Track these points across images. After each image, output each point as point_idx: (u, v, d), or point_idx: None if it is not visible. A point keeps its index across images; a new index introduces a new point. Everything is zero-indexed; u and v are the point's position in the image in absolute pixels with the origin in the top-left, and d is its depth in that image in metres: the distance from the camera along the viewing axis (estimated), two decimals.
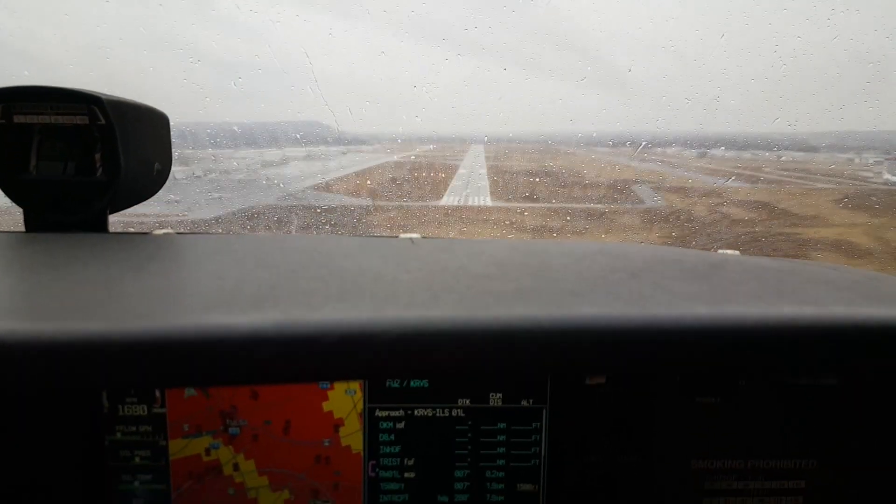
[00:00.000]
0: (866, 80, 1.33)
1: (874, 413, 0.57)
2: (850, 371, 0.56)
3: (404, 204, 1.92)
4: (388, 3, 1.55)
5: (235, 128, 1.54)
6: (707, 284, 0.50)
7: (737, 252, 0.70)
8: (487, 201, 2.21)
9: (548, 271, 0.53)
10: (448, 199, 2.20)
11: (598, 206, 1.97)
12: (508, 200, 2.10)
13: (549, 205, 1.96)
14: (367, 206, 1.92)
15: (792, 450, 0.58)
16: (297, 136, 1.70)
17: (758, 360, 0.42)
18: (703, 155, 2.21)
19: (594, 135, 1.56)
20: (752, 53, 1.44)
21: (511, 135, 1.78)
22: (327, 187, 2.16)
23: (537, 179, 2.04)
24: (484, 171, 2.37)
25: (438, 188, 2.17)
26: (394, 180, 2.04)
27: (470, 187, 2.27)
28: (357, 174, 2.21)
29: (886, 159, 2.13)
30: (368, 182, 2.11)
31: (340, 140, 1.76)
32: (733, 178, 2.08)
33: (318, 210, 1.90)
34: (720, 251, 0.72)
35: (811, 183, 2.19)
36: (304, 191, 2.12)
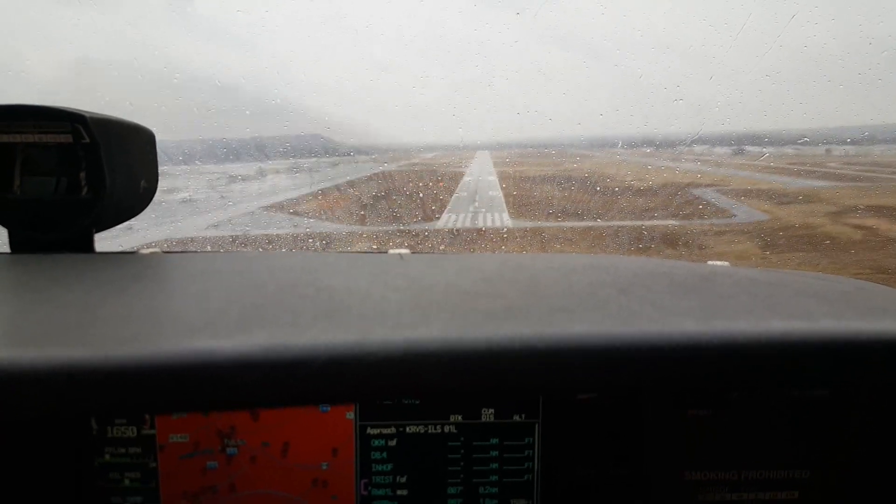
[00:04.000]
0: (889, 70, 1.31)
1: (866, 422, 0.57)
2: (840, 385, 0.56)
3: (381, 229, 1.52)
4: (388, 11, 1.53)
5: (224, 142, 1.49)
6: (696, 299, 0.50)
7: (727, 263, 0.70)
8: (505, 220, 1.61)
9: (537, 287, 0.53)
10: (448, 219, 1.66)
11: (672, 221, 1.48)
12: (534, 217, 1.55)
13: (600, 223, 1.44)
14: (330, 234, 1.52)
15: (785, 460, 0.58)
16: (283, 148, 1.63)
17: (747, 376, 0.42)
18: (738, 152, 1.88)
19: (607, 136, 1.48)
20: (765, 48, 1.40)
21: (517, 140, 1.55)
22: (284, 207, 1.81)
23: (571, 187, 1.50)
24: (494, 177, 1.88)
25: (436, 202, 1.69)
26: (379, 195, 1.65)
27: (479, 199, 1.79)
28: (328, 190, 1.77)
29: None
30: (343, 198, 1.71)
31: (337, 151, 1.64)
32: (808, 176, 1.67)
33: (245, 242, 1.56)
34: (710, 262, 0.72)
35: None
36: (252, 213, 1.79)
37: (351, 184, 1.81)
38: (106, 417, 0.55)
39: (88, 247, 0.71)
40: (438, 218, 1.72)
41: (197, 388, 0.37)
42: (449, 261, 0.65)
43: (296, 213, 1.84)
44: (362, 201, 1.72)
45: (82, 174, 0.69)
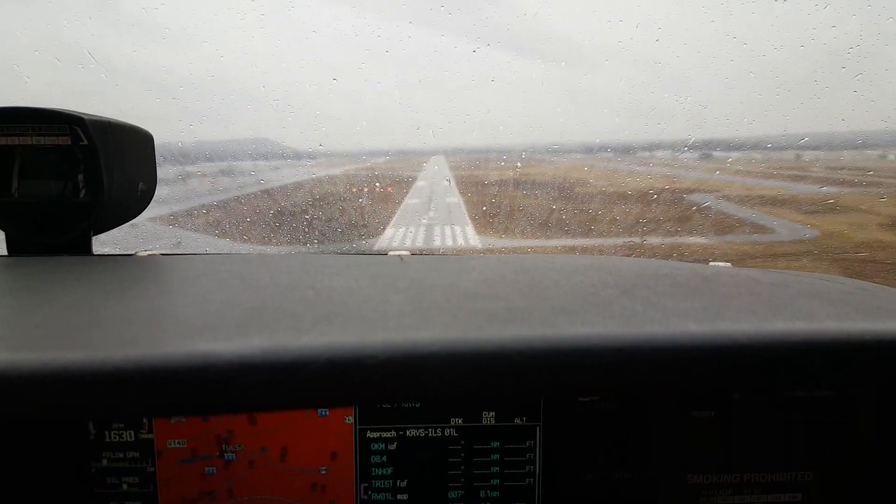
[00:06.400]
0: (852, 78, 1.30)
1: (869, 423, 0.57)
2: (844, 385, 0.56)
3: (291, 250, 1.27)
4: (341, 13, 1.48)
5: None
6: (699, 300, 0.49)
7: (729, 264, 0.70)
8: (470, 237, 1.33)
9: (538, 288, 0.52)
10: (395, 235, 1.36)
11: (700, 239, 1.26)
12: (512, 232, 1.29)
13: (606, 241, 1.23)
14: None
15: (788, 462, 0.58)
16: (219, 152, 1.49)
17: (750, 377, 0.42)
18: (706, 156, 1.71)
19: (564, 142, 1.42)
20: (724, 54, 1.38)
21: (474, 146, 1.42)
22: (179, 219, 1.51)
23: (547, 194, 1.29)
24: (452, 181, 1.60)
25: (384, 212, 1.46)
26: (307, 204, 1.37)
27: (434, 208, 1.50)
28: (248, 196, 1.49)
29: None
30: (261, 207, 1.42)
31: (282, 155, 1.49)
32: (803, 181, 1.46)
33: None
34: (712, 263, 0.71)
35: None
36: (134, 224, 1.50)
37: (272, 191, 1.57)
38: (104, 421, 0.55)
39: (86, 249, 0.71)
40: (380, 234, 1.43)
41: (196, 390, 0.36)
42: (449, 262, 0.64)
43: (194, 227, 1.52)
44: (282, 211, 1.49)
45: (80, 176, 0.69)
